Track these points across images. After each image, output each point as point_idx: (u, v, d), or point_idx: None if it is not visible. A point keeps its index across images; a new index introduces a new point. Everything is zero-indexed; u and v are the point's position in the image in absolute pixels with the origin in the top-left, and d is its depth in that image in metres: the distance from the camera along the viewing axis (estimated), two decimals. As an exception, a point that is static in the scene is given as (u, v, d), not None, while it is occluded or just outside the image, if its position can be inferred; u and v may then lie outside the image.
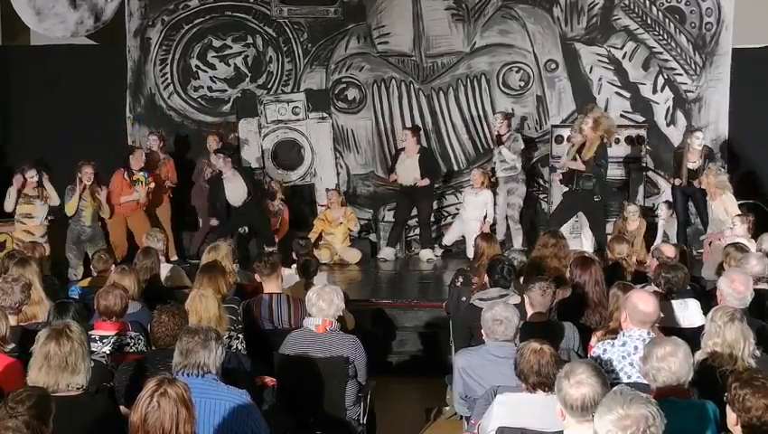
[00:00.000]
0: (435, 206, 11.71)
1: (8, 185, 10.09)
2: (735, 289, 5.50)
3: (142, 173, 10.55)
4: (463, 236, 11.04)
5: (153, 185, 10.60)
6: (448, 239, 11.22)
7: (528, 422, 4.12)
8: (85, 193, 10.01)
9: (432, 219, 11.55)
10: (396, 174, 11.07)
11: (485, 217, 10.85)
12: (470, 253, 10.81)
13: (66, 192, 10.01)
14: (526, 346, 4.28)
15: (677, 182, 10.48)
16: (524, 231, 11.08)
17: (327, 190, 11.60)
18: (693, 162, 10.35)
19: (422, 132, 11.56)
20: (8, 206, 10.01)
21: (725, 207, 9.70)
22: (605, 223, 10.30)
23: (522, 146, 11.00)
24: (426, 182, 10.92)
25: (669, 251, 7.36)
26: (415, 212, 11.34)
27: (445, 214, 11.96)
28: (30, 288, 5.83)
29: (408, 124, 11.83)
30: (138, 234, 10.33)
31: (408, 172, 10.92)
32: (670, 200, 10.99)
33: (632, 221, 10.17)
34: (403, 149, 11.10)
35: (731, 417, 3.74)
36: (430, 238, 11.33)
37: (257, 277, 6.69)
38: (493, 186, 11.00)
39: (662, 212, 10.62)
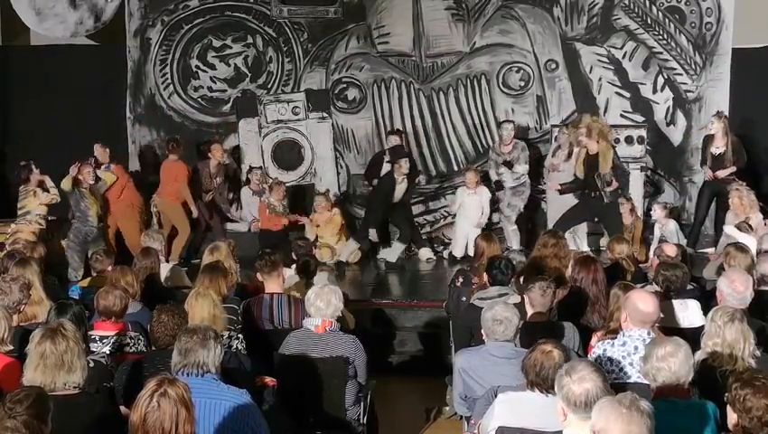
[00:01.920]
0: (431, 206, 11.75)
1: (8, 185, 10.06)
2: (734, 289, 5.50)
3: (104, 168, 10.55)
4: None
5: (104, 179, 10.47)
6: (459, 251, 10.87)
7: (529, 421, 4.11)
8: (87, 193, 9.99)
9: (424, 219, 11.51)
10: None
11: (482, 214, 10.86)
12: (457, 253, 10.86)
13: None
14: (538, 344, 4.27)
15: (707, 172, 10.26)
16: (523, 232, 11.05)
17: (316, 194, 11.39)
18: (717, 147, 10.20)
19: (404, 135, 11.53)
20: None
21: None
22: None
23: (528, 153, 11.01)
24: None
25: (671, 251, 7.38)
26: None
27: (445, 214, 11.94)
28: (29, 288, 5.82)
29: (408, 124, 11.86)
30: (128, 237, 10.32)
31: None
32: (666, 201, 10.91)
33: (625, 215, 10.09)
34: (385, 153, 11.10)
35: (731, 417, 3.74)
36: (421, 237, 11.31)
37: (258, 276, 6.68)
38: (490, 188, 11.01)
39: (656, 212, 10.47)
